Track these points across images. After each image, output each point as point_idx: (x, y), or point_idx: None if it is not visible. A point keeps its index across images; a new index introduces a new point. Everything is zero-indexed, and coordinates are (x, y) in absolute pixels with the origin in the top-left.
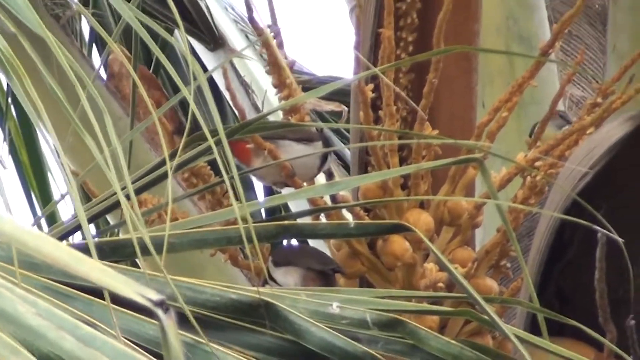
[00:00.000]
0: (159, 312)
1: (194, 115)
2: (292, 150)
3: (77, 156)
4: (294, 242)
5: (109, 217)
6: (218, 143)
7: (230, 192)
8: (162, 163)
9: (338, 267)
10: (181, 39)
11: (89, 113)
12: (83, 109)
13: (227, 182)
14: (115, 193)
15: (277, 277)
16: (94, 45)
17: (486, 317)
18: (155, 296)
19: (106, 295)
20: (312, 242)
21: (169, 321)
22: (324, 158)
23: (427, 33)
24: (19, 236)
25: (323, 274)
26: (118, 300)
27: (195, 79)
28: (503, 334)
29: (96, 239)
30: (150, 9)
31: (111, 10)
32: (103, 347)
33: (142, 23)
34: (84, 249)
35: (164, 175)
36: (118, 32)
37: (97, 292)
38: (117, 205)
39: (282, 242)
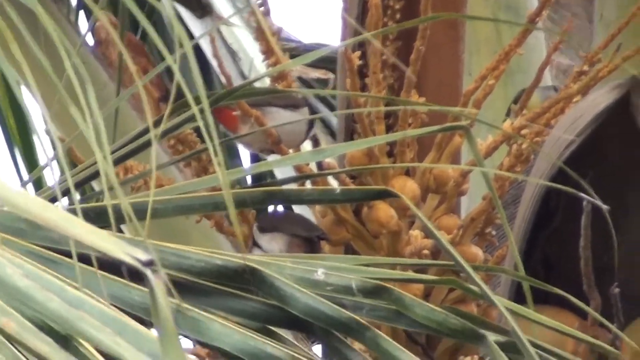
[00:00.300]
0: (148, 272)
1: (179, 82)
2: (278, 117)
3: (63, 123)
4: (280, 208)
5: (95, 184)
6: (203, 110)
7: (214, 159)
8: (148, 130)
9: (323, 233)
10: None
11: (73, 80)
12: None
13: (211, 149)
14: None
15: (263, 244)
16: (81, 12)
17: (471, 285)
18: (144, 256)
19: (94, 260)
20: (297, 209)
21: (157, 281)
22: (311, 124)
23: (414, 1)
24: (9, 197)
25: (308, 241)
26: (104, 266)
27: (181, 46)
28: (489, 301)
29: (81, 205)
30: None
31: None
32: (90, 310)
33: None
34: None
35: (150, 142)
36: None
37: (82, 258)
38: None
39: (267, 209)
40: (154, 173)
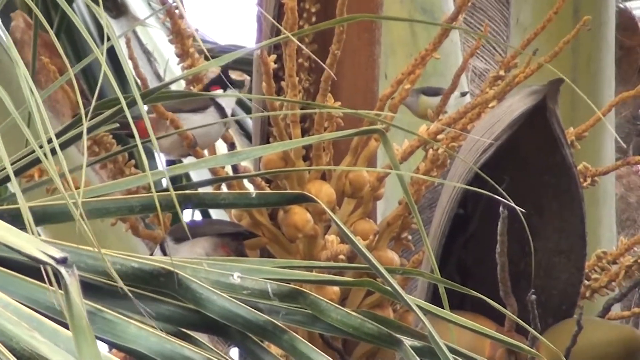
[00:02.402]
0: (62, 269)
1: (96, 83)
2: (189, 123)
3: None
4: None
5: (10, 186)
6: (119, 113)
7: (143, 157)
8: (64, 131)
9: (249, 230)
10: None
11: None
12: None
13: (141, 148)
14: (18, 160)
15: (183, 253)
16: None
17: (388, 287)
18: (58, 254)
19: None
20: (213, 213)
21: (72, 279)
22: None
23: (330, 4)
24: None
25: (236, 236)
26: (17, 268)
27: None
28: (405, 304)
29: None
30: None
31: None
32: (7, 307)
33: None
34: None
35: (65, 144)
36: None
37: None
38: (17, 173)
39: (178, 220)
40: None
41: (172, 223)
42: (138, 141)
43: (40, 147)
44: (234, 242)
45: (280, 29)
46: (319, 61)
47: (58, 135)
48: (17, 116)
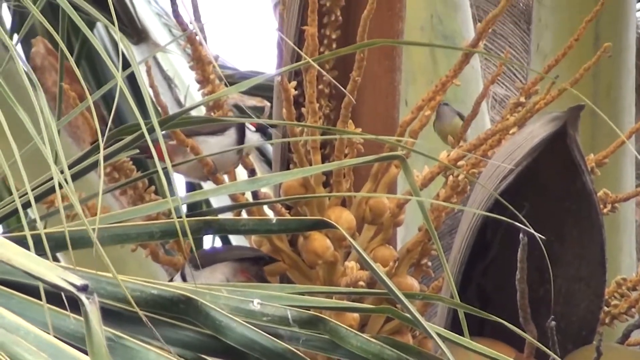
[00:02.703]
0: (82, 297)
1: (116, 110)
2: (207, 146)
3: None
4: (212, 246)
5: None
6: (139, 138)
7: (165, 184)
8: (84, 157)
9: (269, 255)
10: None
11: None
12: (6, 101)
13: (161, 173)
14: (37, 187)
15: (203, 280)
16: (15, 36)
17: (407, 314)
18: (79, 281)
19: (42, 289)
20: (233, 239)
21: (92, 307)
22: (240, 143)
23: (351, 31)
24: None
25: (257, 261)
26: (38, 294)
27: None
28: (424, 331)
29: (16, 233)
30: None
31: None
32: (26, 336)
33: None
34: None
35: (86, 170)
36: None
37: (19, 287)
38: (37, 199)
39: (199, 247)
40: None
41: (188, 260)
42: (159, 166)
43: (62, 172)
44: (254, 267)
45: (300, 55)
46: (340, 87)
47: (78, 161)
48: (38, 141)
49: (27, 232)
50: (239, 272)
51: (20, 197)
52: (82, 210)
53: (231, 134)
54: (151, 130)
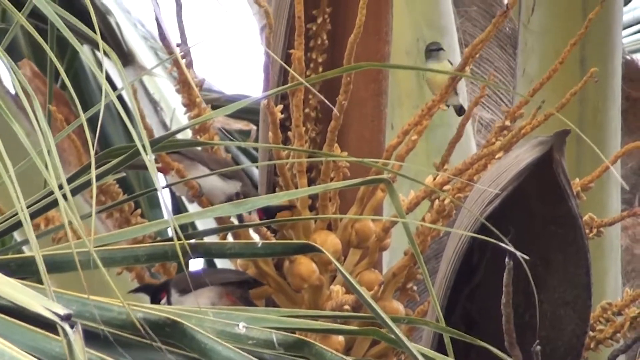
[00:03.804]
0: (66, 326)
1: (103, 132)
2: (209, 180)
3: None
4: (194, 268)
5: (17, 235)
6: (127, 161)
7: (164, 206)
8: (72, 179)
9: (253, 278)
10: (89, 55)
11: None
12: None
13: (160, 191)
14: (27, 207)
15: (188, 305)
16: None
17: (393, 337)
18: (62, 311)
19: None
20: (219, 262)
21: (76, 336)
22: (232, 197)
23: (337, 54)
24: None
25: (242, 284)
26: (23, 316)
27: (106, 95)
28: (409, 353)
29: (2, 257)
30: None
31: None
32: None
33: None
34: None
35: (74, 192)
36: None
37: (2, 309)
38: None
39: (181, 271)
40: (65, 225)
41: (178, 272)
42: (158, 185)
43: (50, 194)
44: (239, 290)
45: (287, 78)
46: (330, 106)
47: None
48: (37, 160)
49: (14, 255)
50: (225, 296)
51: (6, 220)
52: (71, 233)
53: (234, 185)
54: (138, 152)
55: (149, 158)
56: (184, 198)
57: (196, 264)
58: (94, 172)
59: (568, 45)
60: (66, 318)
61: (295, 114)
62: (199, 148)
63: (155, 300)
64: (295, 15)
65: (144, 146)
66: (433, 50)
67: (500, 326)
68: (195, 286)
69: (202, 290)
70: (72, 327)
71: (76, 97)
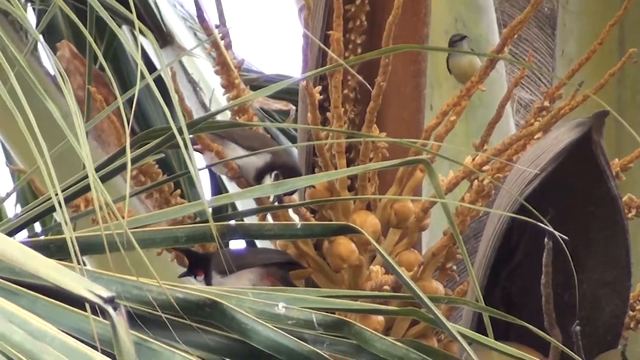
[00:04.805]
0: (110, 309)
1: (142, 113)
2: (234, 154)
3: (23, 151)
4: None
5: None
6: (166, 142)
7: (199, 186)
8: (111, 160)
9: (294, 259)
10: (130, 36)
11: (23, 113)
12: (37, 106)
13: (194, 174)
14: (63, 190)
15: (229, 285)
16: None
17: (432, 316)
18: (106, 293)
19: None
20: (258, 242)
21: (119, 318)
22: (262, 172)
23: (375, 36)
24: None
25: (284, 265)
26: (64, 297)
27: (143, 77)
28: (449, 333)
29: (42, 238)
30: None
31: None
32: (53, 342)
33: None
34: (30, 247)
35: (112, 173)
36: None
37: (44, 290)
38: (64, 202)
39: (218, 253)
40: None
41: (210, 265)
42: (192, 168)
43: (85, 177)
44: (280, 271)
45: (326, 59)
46: (368, 86)
47: (104, 165)
48: (73, 141)
49: (52, 237)
50: (265, 277)
51: (45, 202)
52: (108, 214)
53: (263, 158)
54: (178, 134)
55: (186, 139)
56: (224, 178)
57: (237, 244)
58: (129, 154)
59: (607, 26)
60: (109, 300)
61: (334, 95)
62: None
63: (191, 273)
64: None
65: (181, 128)
66: (456, 41)
67: (540, 306)
68: (237, 267)
69: (243, 272)
70: (115, 309)
71: (115, 78)
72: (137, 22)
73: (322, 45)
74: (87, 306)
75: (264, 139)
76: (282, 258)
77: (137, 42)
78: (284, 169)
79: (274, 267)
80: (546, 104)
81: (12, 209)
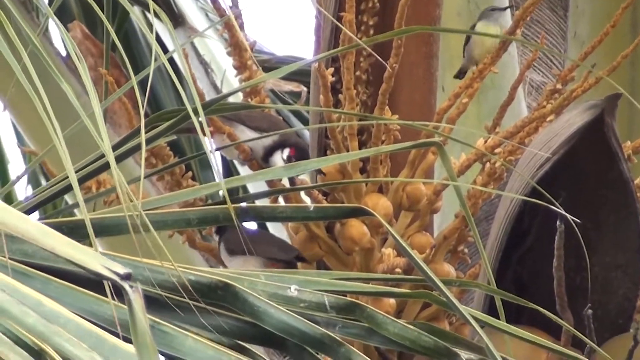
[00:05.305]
0: (126, 285)
1: (153, 95)
2: (243, 136)
3: (35, 133)
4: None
5: (68, 197)
6: (178, 124)
7: (215, 166)
8: (123, 142)
9: (300, 254)
10: (141, 17)
11: (34, 97)
12: (48, 88)
13: (210, 155)
14: (76, 172)
15: (233, 267)
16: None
17: (444, 299)
18: (122, 270)
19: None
20: (270, 224)
21: (136, 295)
22: (271, 150)
23: (388, 17)
24: None
25: (287, 263)
26: (76, 280)
27: (156, 59)
28: (461, 315)
29: (55, 220)
30: None
31: None
32: (66, 324)
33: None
34: None
35: (125, 155)
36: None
37: (57, 272)
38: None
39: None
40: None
41: (221, 239)
42: (207, 148)
43: (101, 157)
44: (286, 265)
45: (338, 41)
46: (385, 63)
47: (116, 147)
48: (87, 122)
49: (65, 218)
50: (270, 265)
51: (58, 183)
52: (123, 196)
53: (272, 137)
54: (189, 115)
55: (199, 121)
56: (235, 161)
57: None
58: (143, 135)
59: (619, 7)
60: (126, 277)
61: (346, 77)
62: None
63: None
64: None
65: (195, 109)
66: (494, 10)
67: (552, 289)
68: (243, 250)
69: (249, 258)
70: (131, 287)
71: (127, 59)
72: (151, 3)
73: (337, 23)
74: (106, 285)
75: (272, 119)
76: (286, 256)
77: (151, 24)
78: (296, 148)
79: (276, 263)
80: (558, 86)
81: (24, 191)
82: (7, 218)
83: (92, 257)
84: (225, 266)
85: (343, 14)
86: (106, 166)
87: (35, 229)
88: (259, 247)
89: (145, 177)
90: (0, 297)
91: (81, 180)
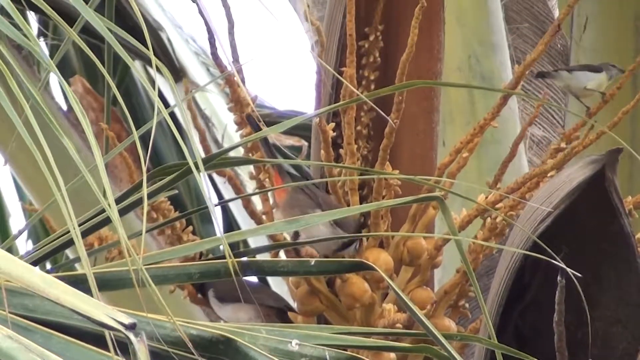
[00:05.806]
0: (131, 335)
1: (154, 149)
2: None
3: (36, 187)
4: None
5: (69, 252)
6: (179, 179)
7: (216, 224)
8: (124, 197)
9: (289, 304)
10: (144, 71)
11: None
12: (48, 142)
13: (211, 208)
14: (79, 225)
15: (225, 315)
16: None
17: (445, 353)
18: (127, 320)
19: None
20: (270, 278)
21: (140, 345)
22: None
23: (389, 72)
24: None
25: (278, 311)
26: (77, 335)
27: (158, 112)
28: None
29: (57, 274)
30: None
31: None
32: None
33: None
34: None
35: (126, 209)
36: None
37: (55, 326)
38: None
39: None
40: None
41: (210, 289)
42: (209, 204)
43: (101, 212)
44: (278, 315)
45: (339, 96)
46: (386, 117)
47: (118, 201)
48: (88, 177)
49: (68, 272)
50: (264, 317)
51: (59, 238)
52: (119, 252)
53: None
54: (191, 170)
55: (201, 175)
56: (235, 215)
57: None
58: (145, 190)
59: (619, 63)
60: (131, 327)
61: (347, 132)
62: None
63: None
64: (347, 33)
65: (196, 164)
66: (614, 67)
67: (553, 344)
68: (234, 298)
69: (242, 305)
70: (136, 336)
71: (128, 113)
72: (153, 59)
73: (339, 76)
74: (108, 339)
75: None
76: (279, 303)
77: (153, 79)
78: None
79: (268, 310)
80: (563, 145)
81: (24, 246)
82: (12, 268)
83: (97, 308)
84: (215, 314)
85: (344, 69)
86: (107, 220)
87: (40, 279)
88: (249, 295)
89: (147, 232)
90: (8, 344)
91: (83, 235)
